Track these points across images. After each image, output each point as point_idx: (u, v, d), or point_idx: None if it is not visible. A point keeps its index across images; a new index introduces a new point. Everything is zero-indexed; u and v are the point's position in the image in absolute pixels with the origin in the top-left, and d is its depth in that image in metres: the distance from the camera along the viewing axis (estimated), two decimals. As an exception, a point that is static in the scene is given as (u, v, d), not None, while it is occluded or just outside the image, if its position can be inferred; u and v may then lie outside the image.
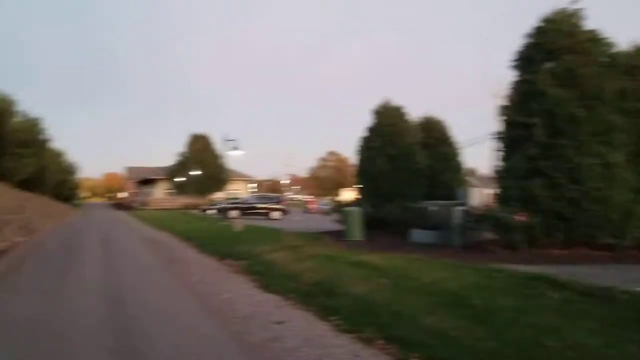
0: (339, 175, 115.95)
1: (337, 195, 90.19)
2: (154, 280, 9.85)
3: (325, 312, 6.94)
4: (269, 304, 7.72)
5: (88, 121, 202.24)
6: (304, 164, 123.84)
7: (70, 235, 20.20)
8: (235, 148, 25.03)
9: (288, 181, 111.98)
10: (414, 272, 8.88)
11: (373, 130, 17.17)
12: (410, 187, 16.45)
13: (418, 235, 13.71)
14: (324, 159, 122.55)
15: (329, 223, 29.36)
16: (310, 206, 52.89)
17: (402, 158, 16.48)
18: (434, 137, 17.64)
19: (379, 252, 11.61)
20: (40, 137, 44.55)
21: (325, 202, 64.52)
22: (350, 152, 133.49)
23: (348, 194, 68.08)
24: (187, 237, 18.62)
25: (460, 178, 17.63)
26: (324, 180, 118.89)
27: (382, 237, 14.85)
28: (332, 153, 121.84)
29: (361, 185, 17.17)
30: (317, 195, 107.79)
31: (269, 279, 9.50)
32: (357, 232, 14.37)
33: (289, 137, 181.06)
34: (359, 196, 17.04)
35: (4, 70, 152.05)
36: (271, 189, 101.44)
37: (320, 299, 7.66)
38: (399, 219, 14.83)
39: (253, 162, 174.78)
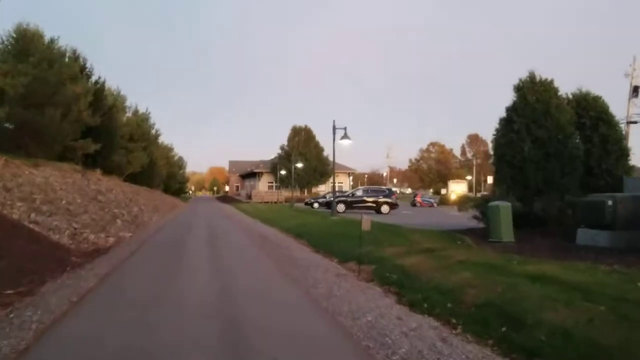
0: (442, 167, 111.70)
1: (441, 187, 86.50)
2: (272, 289, 8.08)
3: (517, 351, 4.88)
4: (428, 333, 5.68)
5: (194, 117, 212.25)
6: (403, 155, 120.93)
7: (178, 230, 19.35)
8: (344, 137, 23.03)
9: (386, 174, 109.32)
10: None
11: (516, 109, 14.27)
12: (564, 176, 13.49)
13: (587, 236, 10.85)
14: (425, 150, 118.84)
15: (449, 218, 26.91)
16: (417, 199, 50.10)
17: (554, 142, 13.53)
18: (591, 117, 14.45)
19: (551, 260, 9.02)
20: (150, 131, 45.73)
21: (429, 195, 61.49)
22: (453, 143, 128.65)
23: (456, 187, 64.62)
24: (298, 233, 17.05)
25: (626, 165, 14.30)
26: (425, 172, 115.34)
27: (537, 238, 12.11)
28: (434, 144, 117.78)
29: (500, 176, 14.43)
30: (417, 188, 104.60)
31: (412, 292, 7.45)
32: (506, 232, 11.72)
33: (389, 129, 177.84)
34: (497, 188, 14.32)
35: (115, 65, 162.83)
36: (370, 181, 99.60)
37: (501, 329, 5.51)
38: (557, 216, 12.01)
39: (351, 154, 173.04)
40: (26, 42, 22.26)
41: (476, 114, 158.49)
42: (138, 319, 5.96)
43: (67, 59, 27.29)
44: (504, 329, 5.49)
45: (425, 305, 6.81)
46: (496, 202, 12.05)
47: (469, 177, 72.65)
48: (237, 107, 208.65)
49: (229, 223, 24.18)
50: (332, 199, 31.13)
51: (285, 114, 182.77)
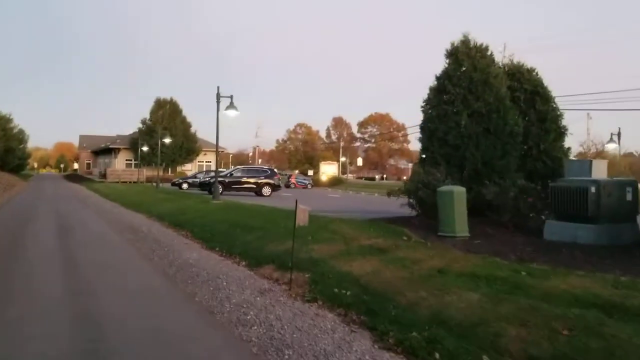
0: (308, 148, 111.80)
1: (308, 168, 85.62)
2: (177, 335, 4.66)
3: None
4: None
5: (38, 86, 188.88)
6: (272, 136, 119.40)
7: (14, 219, 14.59)
8: (230, 107, 19.50)
9: (252, 153, 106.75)
10: None
11: (450, 77, 12.12)
12: (503, 157, 11.65)
13: (561, 229, 8.91)
14: (292, 131, 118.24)
15: (336, 201, 24.80)
16: (292, 180, 47.88)
17: (493, 116, 11.60)
18: (526, 91, 12.82)
19: (558, 266, 6.78)
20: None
21: (303, 177, 59.77)
22: (320, 125, 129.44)
23: (327, 168, 63.81)
24: (177, 222, 13.50)
25: (561, 147, 12.90)
26: (292, 153, 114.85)
27: (489, 231, 10.02)
28: (301, 125, 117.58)
29: (430, 154, 12.22)
30: (284, 168, 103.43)
31: (398, 328, 4.71)
32: (460, 225, 9.34)
33: (257, 108, 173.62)
34: (425, 170, 12.07)
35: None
36: (236, 161, 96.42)
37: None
38: (514, 205, 10.02)
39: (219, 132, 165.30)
40: None
41: (341, 97, 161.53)
42: None
43: None
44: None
45: (437, 355, 4.07)
46: (449, 187, 9.66)
47: (343, 159, 72.81)
48: (90, 76, 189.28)
49: (82, 208, 19.44)
50: (206, 179, 27.57)
51: (147, 87, 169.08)
